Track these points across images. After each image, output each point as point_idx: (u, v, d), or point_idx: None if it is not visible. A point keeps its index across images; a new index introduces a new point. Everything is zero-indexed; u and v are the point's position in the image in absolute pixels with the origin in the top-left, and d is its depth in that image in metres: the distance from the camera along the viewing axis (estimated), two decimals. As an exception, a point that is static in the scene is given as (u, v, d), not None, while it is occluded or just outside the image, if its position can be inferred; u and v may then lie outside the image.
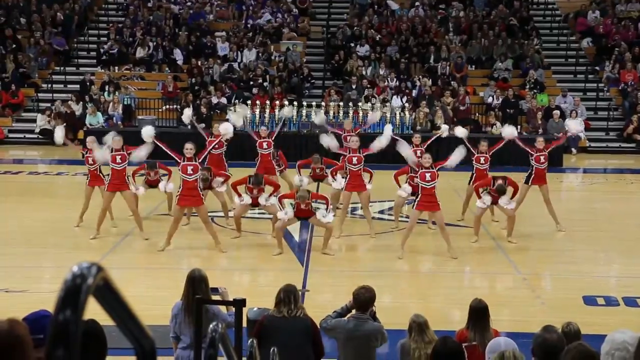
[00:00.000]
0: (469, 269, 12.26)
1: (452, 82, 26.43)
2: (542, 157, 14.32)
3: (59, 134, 13.96)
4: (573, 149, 24.09)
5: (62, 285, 1.38)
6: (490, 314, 6.68)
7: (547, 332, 4.57)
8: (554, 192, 19.57)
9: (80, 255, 12.34)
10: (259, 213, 14.89)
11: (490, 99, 25.66)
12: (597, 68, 27.82)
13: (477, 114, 25.37)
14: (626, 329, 3.84)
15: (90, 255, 12.08)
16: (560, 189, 20.65)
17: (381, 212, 15.67)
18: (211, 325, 2.84)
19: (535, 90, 26.02)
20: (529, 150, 14.32)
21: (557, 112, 24.36)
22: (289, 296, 6.48)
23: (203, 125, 17.67)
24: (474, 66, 28.00)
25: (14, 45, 28.00)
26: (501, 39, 28.23)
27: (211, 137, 14.59)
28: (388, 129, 14.50)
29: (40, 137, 24.91)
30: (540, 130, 24.17)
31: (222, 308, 6.66)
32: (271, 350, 5.65)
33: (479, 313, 6.52)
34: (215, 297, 6.50)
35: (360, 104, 23.81)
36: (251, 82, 26.20)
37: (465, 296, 9.05)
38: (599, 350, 3.80)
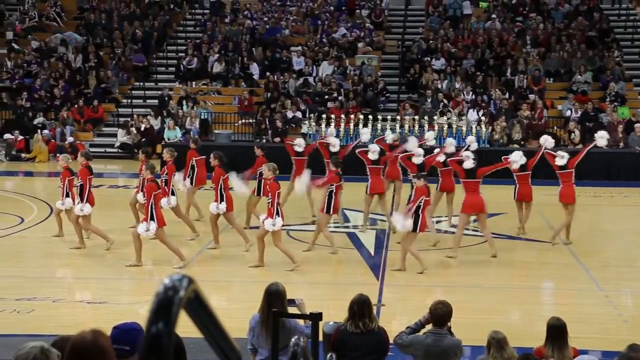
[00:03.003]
0: (548, 285, 12.00)
1: (530, 95, 26.03)
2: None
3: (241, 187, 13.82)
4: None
5: (154, 297, 1.38)
6: (572, 331, 6.53)
7: (633, 351, 4.44)
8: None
9: (158, 268, 12.54)
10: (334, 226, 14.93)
11: (568, 112, 25.17)
12: (680, 80, 27.06)
13: (555, 127, 24.91)
14: None
15: (166, 268, 12.25)
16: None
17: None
18: (293, 339, 2.84)
19: (616, 103, 25.41)
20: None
21: (638, 126, 23.71)
22: (363, 309, 6.41)
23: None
24: (552, 79, 27.52)
25: (95, 61, 28.76)
26: (580, 51, 27.68)
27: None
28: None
29: (120, 151, 25.46)
30: (622, 144, 23.59)
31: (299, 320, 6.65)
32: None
33: (557, 331, 6.39)
34: (292, 309, 6.48)
35: (435, 117, 23.64)
36: (326, 96, 26.30)
37: (545, 312, 8.88)
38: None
